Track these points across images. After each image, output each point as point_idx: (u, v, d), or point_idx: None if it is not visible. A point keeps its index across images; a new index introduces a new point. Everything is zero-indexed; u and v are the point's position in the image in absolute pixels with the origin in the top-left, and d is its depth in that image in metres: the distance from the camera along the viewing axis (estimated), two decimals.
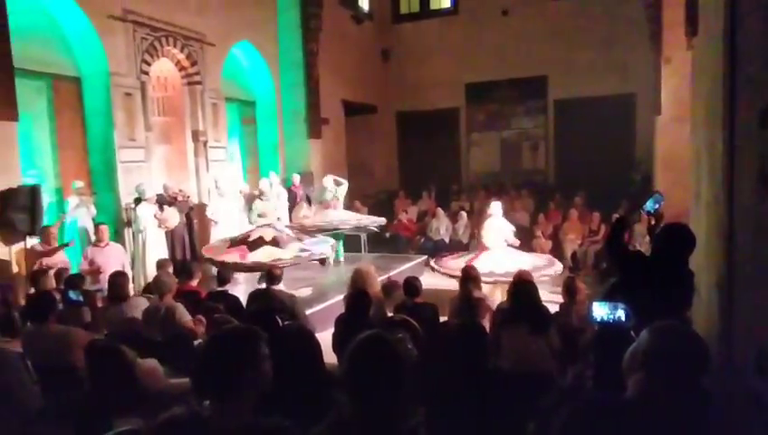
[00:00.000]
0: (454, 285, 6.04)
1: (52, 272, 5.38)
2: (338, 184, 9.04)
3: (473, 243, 10.11)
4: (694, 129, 3.66)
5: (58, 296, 4.03)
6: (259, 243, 6.81)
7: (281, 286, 5.17)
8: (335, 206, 8.96)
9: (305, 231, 7.97)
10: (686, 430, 1.39)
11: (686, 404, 1.42)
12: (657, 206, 3.25)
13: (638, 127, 12.25)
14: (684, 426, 1.39)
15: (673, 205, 8.53)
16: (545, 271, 6.71)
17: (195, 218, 8.69)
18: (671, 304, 2.22)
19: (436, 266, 7.34)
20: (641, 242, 7.39)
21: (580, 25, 12.43)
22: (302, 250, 6.94)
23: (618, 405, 1.48)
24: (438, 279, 7.16)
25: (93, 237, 7.00)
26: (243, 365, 1.62)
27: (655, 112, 10.04)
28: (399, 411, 1.49)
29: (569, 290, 4.28)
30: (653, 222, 3.37)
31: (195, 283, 5.42)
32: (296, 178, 10.48)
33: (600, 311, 2.03)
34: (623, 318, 2.00)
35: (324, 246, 7.26)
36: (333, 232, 8.64)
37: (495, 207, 7.32)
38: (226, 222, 8.45)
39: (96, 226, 6.87)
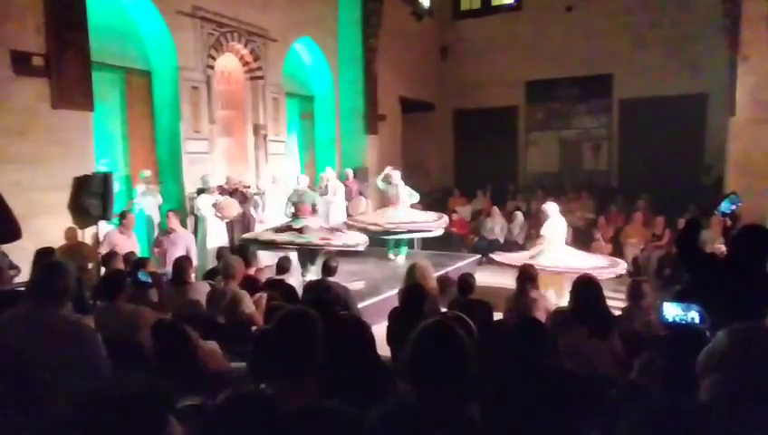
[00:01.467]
0: (507, 283, 5.96)
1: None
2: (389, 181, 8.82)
3: (528, 244, 9.92)
4: None
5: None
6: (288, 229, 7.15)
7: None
8: (396, 202, 8.71)
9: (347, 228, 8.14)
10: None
11: (763, 410, 1.33)
12: (733, 207, 3.06)
13: (709, 128, 11.64)
14: (762, 431, 1.31)
15: (747, 211, 8.08)
16: (607, 271, 6.50)
17: (254, 209, 8.90)
18: (747, 309, 2.09)
19: (497, 258, 7.24)
20: (710, 247, 7.03)
21: (649, 21, 11.94)
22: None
23: (692, 407, 1.41)
24: (492, 277, 7.10)
25: (159, 225, 7.33)
26: (310, 346, 1.65)
27: (729, 113, 9.52)
28: (461, 398, 1.48)
29: (634, 294, 4.12)
30: (729, 223, 3.18)
31: (252, 270, 5.57)
32: (350, 174, 10.55)
33: (673, 311, 1.94)
34: (697, 320, 1.90)
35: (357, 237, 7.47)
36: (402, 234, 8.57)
37: (552, 208, 7.25)
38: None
39: (167, 212, 7.15)
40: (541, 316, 4.02)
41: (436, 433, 1.45)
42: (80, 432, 1.25)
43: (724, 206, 3.06)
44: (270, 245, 6.88)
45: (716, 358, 1.41)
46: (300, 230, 7.04)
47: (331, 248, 7.06)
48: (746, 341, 1.40)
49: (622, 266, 6.90)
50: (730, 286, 2.33)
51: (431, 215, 9.04)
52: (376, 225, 8.38)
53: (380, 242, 9.06)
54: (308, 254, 7.22)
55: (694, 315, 1.91)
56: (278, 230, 7.17)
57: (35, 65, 5.91)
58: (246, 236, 7.28)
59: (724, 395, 1.37)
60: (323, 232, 7.27)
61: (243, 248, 6.23)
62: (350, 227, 8.69)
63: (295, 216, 7.38)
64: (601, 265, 6.72)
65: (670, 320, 1.95)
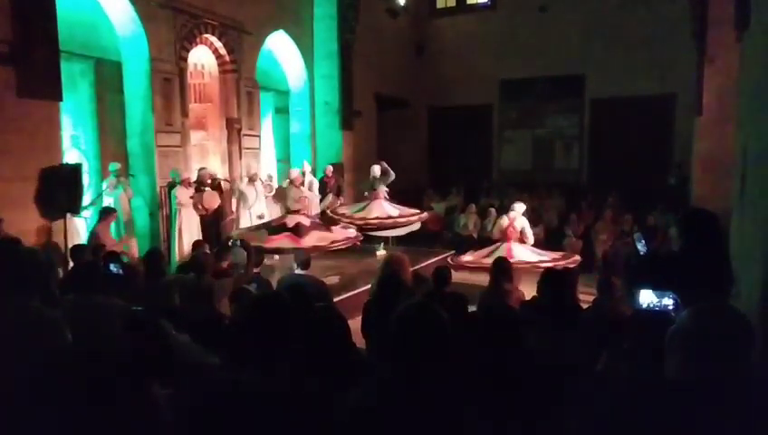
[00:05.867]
0: (482, 279, 6.02)
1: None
2: (385, 173, 8.85)
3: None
4: (740, 122, 3.56)
5: None
6: (282, 229, 7.13)
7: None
8: (376, 197, 8.82)
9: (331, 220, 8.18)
10: (729, 411, 1.36)
11: (728, 384, 1.38)
12: (643, 241, 3.22)
13: (677, 128, 11.94)
14: (727, 406, 1.36)
15: (713, 210, 8.31)
16: (561, 263, 6.73)
17: (227, 203, 8.82)
18: (710, 289, 2.16)
19: (452, 262, 7.24)
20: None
21: (620, 23, 12.18)
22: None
23: (660, 386, 1.46)
24: (466, 272, 7.14)
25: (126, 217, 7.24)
26: (282, 329, 1.65)
27: (696, 113, 9.78)
28: (441, 378, 1.50)
29: (603, 287, 4.20)
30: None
31: (225, 264, 5.51)
32: (329, 169, 10.55)
33: (647, 298, 1.99)
34: (670, 306, 1.96)
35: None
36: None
37: (519, 208, 7.30)
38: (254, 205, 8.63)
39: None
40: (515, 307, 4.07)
41: (415, 412, 1.46)
42: (61, 388, 1.24)
43: (640, 247, 3.20)
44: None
45: (680, 337, 1.45)
46: (295, 229, 7.04)
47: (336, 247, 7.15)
48: (709, 316, 1.44)
49: (575, 259, 7.21)
50: (690, 272, 2.42)
51: (412, 209, 9.22)
52: (364, 220, 8.43)
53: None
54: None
55: (668, 302, 1.96)
56: (271, 230, 7.13)
57: (1, 53, 5.72)
58: (244, 238, 7.12)
59: (689, 372, 1.41)
60: (321, 231, 7.33)
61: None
62: (335, 222, 8.76)
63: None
64: (555, 258, 6.95)
65: (645, 306, 1.99)
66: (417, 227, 9.09)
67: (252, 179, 8.77)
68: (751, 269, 2.92)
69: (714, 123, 8.94)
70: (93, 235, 6.44)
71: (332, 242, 7.32)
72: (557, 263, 6.59)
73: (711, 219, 2.72)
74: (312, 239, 7.16)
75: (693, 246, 2.64)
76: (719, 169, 8.20)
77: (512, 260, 6.30)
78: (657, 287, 2.00)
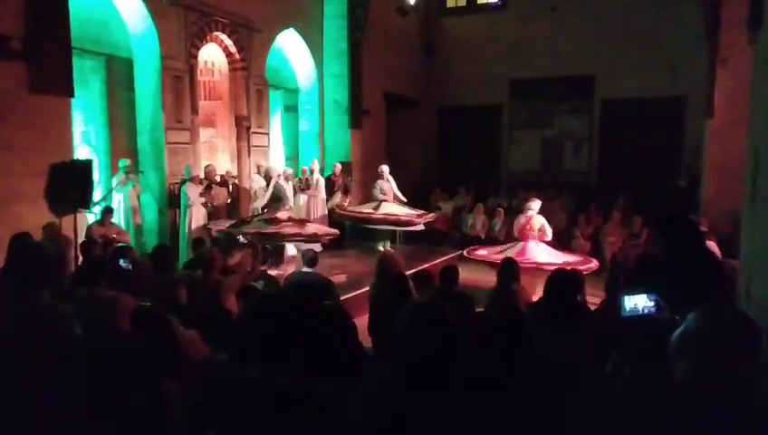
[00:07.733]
0: (490, 278, 6.02)
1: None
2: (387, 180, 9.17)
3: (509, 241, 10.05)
4: (752, 125, 3.53)
5: None
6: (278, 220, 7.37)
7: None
8: (389, 195, 9.04)
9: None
10: (737, 415, 1.35)
11: (736, 388, 1.37)
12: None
13: (688, 130, 11.86)
14: (735, 411, 1.35)
15: (723, 213, 8.26)
16: (580, 268, 6.71)
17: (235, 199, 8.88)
18: (704, 293, 2.15)
19: (468, 255, 7.51)
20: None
21: (631, 24, 12.10)
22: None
23: (666, 391, 1.45)
24: (474, 272, 7.16)
25: (137, 214, 7.30)
26: (288, 327, 1.66)
27: (707, 116, 9.70)
28: (444, 378, 1.50)
29: (612, 289, 4.18)
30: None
31: (233, 261, 5.53)
32: (337, 168, 10.57)
33: (632, 303, 1.98)
34: (653, 309, 1.95)
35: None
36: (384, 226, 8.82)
37: (535, 205, 7.40)
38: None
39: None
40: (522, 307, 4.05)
41: (416, 412, 1.47)
42: (78, 385, 1.25)
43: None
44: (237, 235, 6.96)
45: (688, 339, 1.44)
46: (291, 220, 7.15)
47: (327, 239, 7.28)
48: (717, 319, 1.43)
49: (594, 264, 7.22)
50: (680, 277, 2.42)
51: (417, 210, 9.50)
52: (368, 215, 8.59)
53: (366, 236, 9.20)
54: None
55: (651, 305, 1.96)
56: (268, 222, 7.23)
57: (14, 49, 5.77)
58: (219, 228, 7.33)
59: (697, 376, 1.40)
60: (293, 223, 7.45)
61: (226, 238, 6.22)
62: (339, 216, 8.92)
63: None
64: (573, 262, 6.95)
65: (633, 311, 1.98)
66: (421, 228, 9.25)
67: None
68: (763, 272, 2.89)
69: (725, 125, 8.86)
70: (89, 231, 6.56)
71: (326, 234, 7.64)
72: (572, 266, 6.58)
73: (684, 222, 2.72)
74: (312, 228, 7.42)
75: (675, 251, 2.65)
76: (730, 171, 8.13)
77: (524, 259, 6.40)
78: (651, 292, 1.99)
